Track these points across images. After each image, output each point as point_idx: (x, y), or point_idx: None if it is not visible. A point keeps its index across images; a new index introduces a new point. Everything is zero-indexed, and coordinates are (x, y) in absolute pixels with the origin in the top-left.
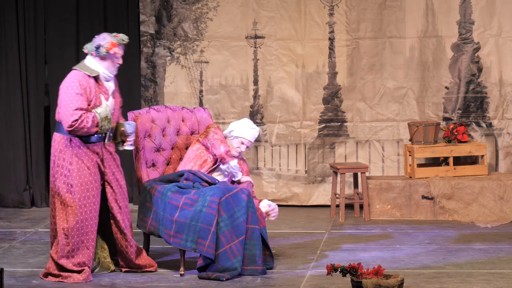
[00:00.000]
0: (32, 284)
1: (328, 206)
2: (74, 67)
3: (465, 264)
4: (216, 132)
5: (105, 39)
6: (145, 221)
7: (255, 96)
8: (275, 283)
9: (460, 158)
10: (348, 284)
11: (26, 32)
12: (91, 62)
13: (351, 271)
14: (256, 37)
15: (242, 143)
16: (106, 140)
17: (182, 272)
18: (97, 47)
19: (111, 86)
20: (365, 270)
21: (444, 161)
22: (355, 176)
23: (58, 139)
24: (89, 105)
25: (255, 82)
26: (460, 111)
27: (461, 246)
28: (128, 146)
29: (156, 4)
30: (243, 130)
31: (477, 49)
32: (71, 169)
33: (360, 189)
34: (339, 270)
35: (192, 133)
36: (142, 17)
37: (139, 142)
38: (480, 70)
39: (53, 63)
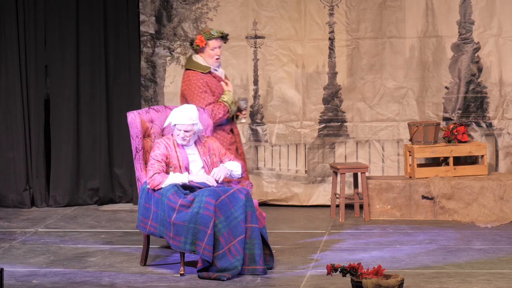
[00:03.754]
0: (32, 284)
1: (328, 206)
2: (187, 67)
3: (465, 264)
4: (154, 150)
5: (195, 36)
6: (145, 222)
7: (255, 96)
8: (275, 283)
9: (460, 158)
10: (348, 284)
11: (26, 32)
12: (197, 58)
13: (351, 271)
14: (256, 37)
15: (179, 130)
16: (234, 119)
17: (182, 272)
18: (191, 43)
19: (222, 71)
20: (365, 270)
21: (444, 161)
22: (355, 176)
23: None
24: (213, 96)
25: (255, 82)
26: (460, 111)
27: (461, 246)
28: (243, 119)
29: (156, 4)
30: (174, 117)
31: (477, 49)
32: None
33: (360, 189)
34: (339, 270)
35: None
36: (142, 17)
37: (138, 142)
38: (480, 70)
39: (53, 63)
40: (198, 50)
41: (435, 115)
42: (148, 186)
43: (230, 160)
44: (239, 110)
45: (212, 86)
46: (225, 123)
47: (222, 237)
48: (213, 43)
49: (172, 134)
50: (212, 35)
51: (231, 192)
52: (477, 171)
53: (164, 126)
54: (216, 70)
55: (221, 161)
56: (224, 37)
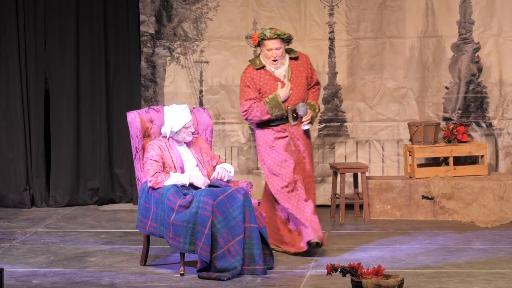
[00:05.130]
0: (32, 284)
1: (328, 206)
2: (249, 60)
3: (465, 264)
4: (148, 152)
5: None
6: (144, 222)
7: None
8: (275, 283)
9: (460, 158)
10: (348, 284)
11: (26, 32)
12: (261, 54)
13: (351, 271)
14: None
15: (186, 128)
16: (291, 122)
17: (182, 272)
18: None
19: (281, 73)
20: (365, 270)
21: (444, 161)
22: (355, 176)
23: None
24: (260, 93)
25: None
26: (460, 111)
27: (461, 246)
28: (304, 126)
29: (156, 4)
30: (177, 120)
31: (477, 49)
32: (262, 152)
33: (360, 189)
34: (339, 270)
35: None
36: (142, 17)
37: (138, 142)
38: (480, 70)
39: (53, 63)
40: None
41: (435, 115)
42: (150, 184)
43: (217, 162)
44: (300, 116)
45: (260, 82)
46: (277, 123)
47: (221, 237)
48: (267, 43)
49: (163, 136)
50: (265, 35)
51: (229, 192)
52: (477, 171)
53: (169, 136)
54: (277, 69)
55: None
56: (285, 39)
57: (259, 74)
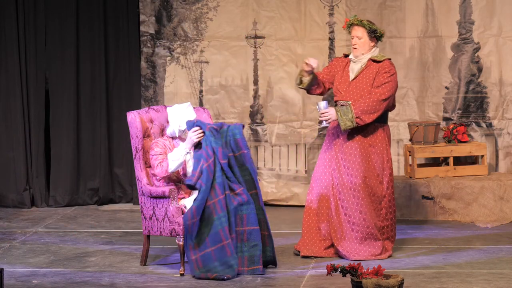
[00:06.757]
0: (32, 284)
1: None
2: None
3: (465, 264)
4: (153, 149)
5: None
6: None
7: (255, 96)
8: (275, 283)
9: (460, 158)
10: (348, 284)
11: (26, 32)
12: None
13: (351, 271)
14: (256, 37)
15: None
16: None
17: (182, 272)
18: None
19: (354, 68)
20: (365, 270)
21: (444, 161)
22: None
23: None
24: (328, 74)
25: (255, 82)
26: (460, 111)
27: (461, 246)
28: (322, 124)
29: (156, 4)
30: (183, 118)
31: (477, 49)
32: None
33: None
34: (339, 270)
35: None
36: (142, 17)
37: (138, 142)
38: (480, 70)
39: (53, 63)
40: None
41: (435, 115)
42: (162, 175)
43: None
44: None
45: (336, 67)
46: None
47: (223, 230)
48: (351, 29)
49: (168, 136)
50: (349, 20)
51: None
52: (477, 171)
53: (178, 135)
54: (353, 60)
55: None
56: (368, 30)
57: (341, 60)
